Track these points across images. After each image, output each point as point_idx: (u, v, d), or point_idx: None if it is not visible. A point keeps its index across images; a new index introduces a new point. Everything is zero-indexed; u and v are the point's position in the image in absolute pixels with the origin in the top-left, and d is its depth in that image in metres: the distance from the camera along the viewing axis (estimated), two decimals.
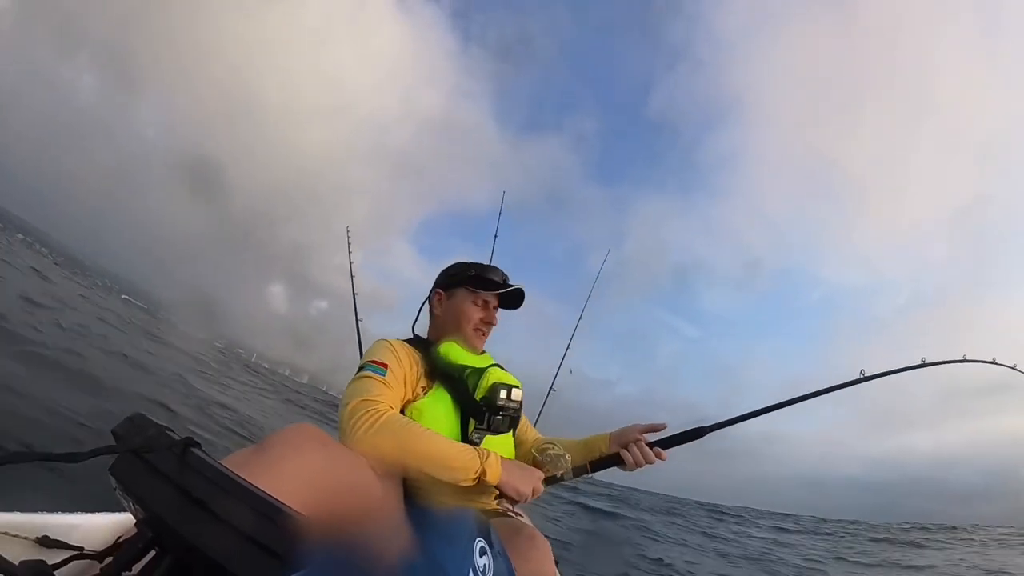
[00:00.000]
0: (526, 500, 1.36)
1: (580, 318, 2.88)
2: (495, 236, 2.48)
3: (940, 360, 1.82)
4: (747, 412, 1.59)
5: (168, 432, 0.85)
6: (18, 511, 1.14)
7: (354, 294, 2.69)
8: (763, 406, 1.63)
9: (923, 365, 1.79)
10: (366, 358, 1.39)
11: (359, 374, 1.35)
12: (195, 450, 0.81)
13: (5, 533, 1.05)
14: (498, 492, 1.34)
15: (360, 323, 2.63)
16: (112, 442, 0.87)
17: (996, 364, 1.83)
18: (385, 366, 1.36)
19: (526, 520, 1.49)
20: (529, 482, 1.35)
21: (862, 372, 1.72)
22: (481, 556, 0.72)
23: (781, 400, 1.65)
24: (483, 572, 0.70)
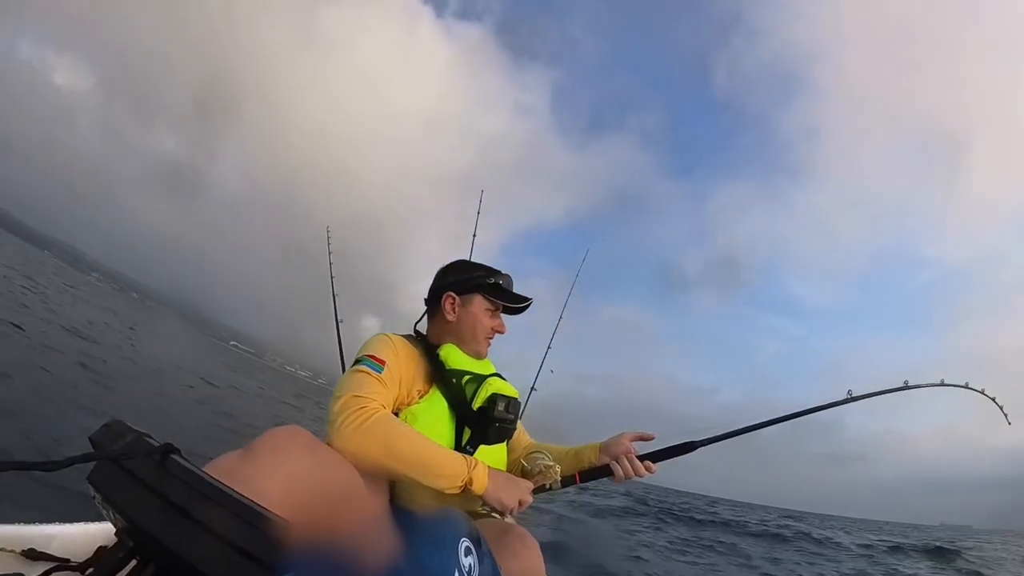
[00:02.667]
0: (511, 512, 1.35)
1: (560, 317, 2.89)
2: (473, 235, 2.48)
3: (920, 383, 1.88)
4: (739, 428, 1.61)
5: (147, 438, 0.83)
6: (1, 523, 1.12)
7: (334, 295, 2.69)
8: (760, 420, 1.64)
9: (905, 387, 1.84)
10: (365, 351, 1.35)
11: (355, 367, 1.31)
12: (175, 456, 0.80)
13: None
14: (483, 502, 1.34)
15: (341, 324, 2.62)
16: (90, 449, 0.85)
17: (969, 388, 1.89)
18: (383, 363, 1.32)
19: (512, 520, 1.49)
20: (515, 494, 1.34)
21: (849, 392, 1.75)
22: (466, 556, 0.72)
23: (780, 415, 1.67)
24: (468, 572, 0.70)
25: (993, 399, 1.91)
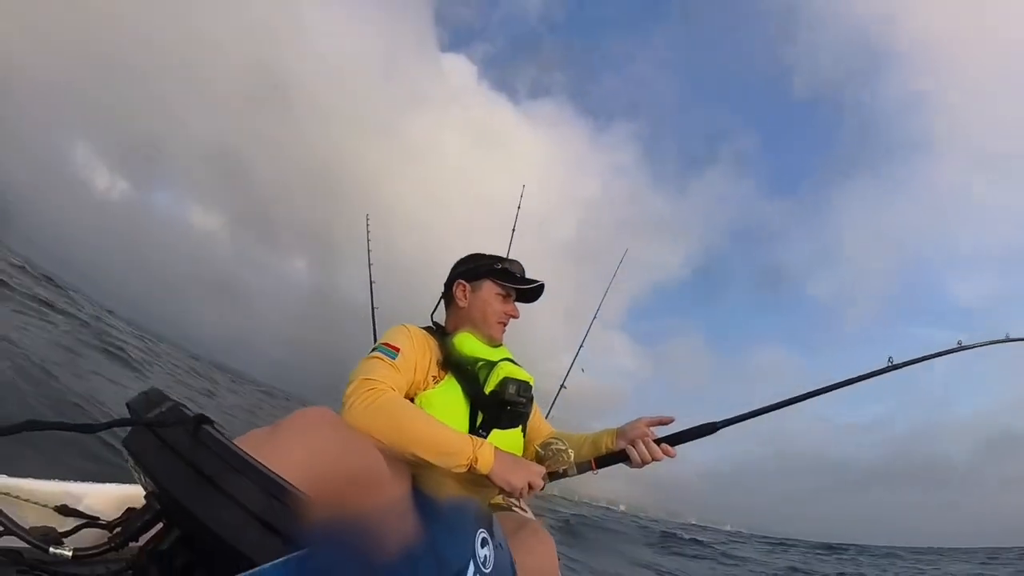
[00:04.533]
0: (520, 495, 1.34)
1: (595, 316, 2.89)
2: (512, 231, 2.51)
3: (978, 342, 1.65)
4: (762, 407, 1.52)
5: (182, 408, 0.87)
6: (33, 476, 1.17)
7: (371, 282, 2.75)
8: (785, 398, 1.53)
9: (959, 349, 1.64)
10: (381, 340, 1.40)
11: (370, 354, 1.35)
12: (208, 427, 0.83)
13: (27, 500, 1.08)
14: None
15: (376, 311, 2.68)
16: (127, 415, 0.89)
17: None
18: (397, 350, 1.36)
19: (530, 515, 1.49)
20: (523, 476, 1.32)
21: (890, 360, 1.60)
22: (482, 547, 0.72)
23: (802, 392, 1.54)
24: (483, 562, 0.70)
25: None
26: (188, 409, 0.87)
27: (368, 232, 2.84)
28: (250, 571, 0.57)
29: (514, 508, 1.44)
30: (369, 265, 2.78)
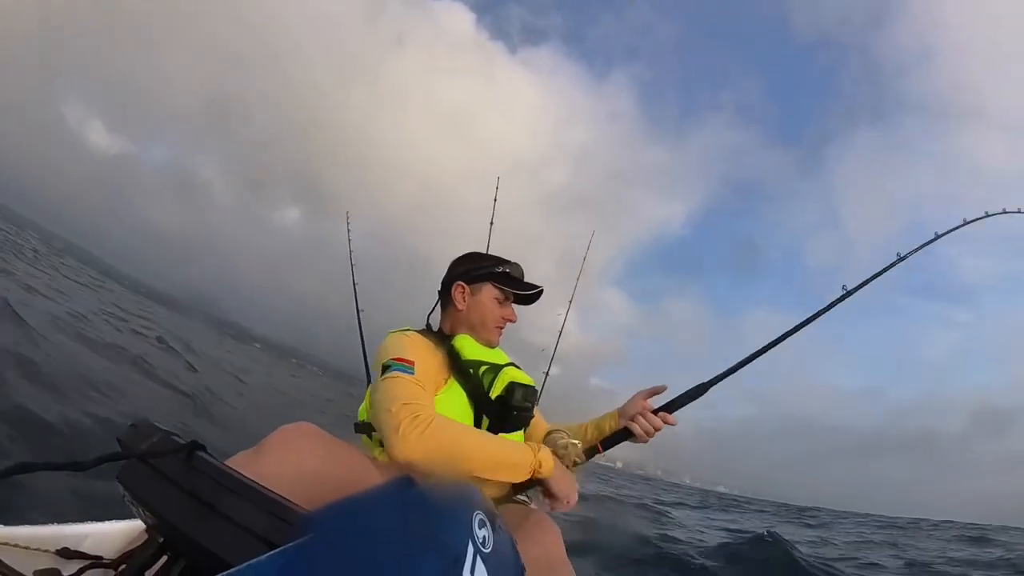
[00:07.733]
0: (567, 504, 1.34)
1: (571, 302, 2.90)
2: (491, 223, 2.49)
3: (917, 246, 1.75)
4: (743, 359, 1.60)
5: (173, 436, 0.85)
6: (30, 523, 1.15)
7: (354, 284, 2.71)
8: (760, 347, 1.62)
9: (900, 259, 1.75)
10: (391, 355, 1.31)
11: (388, 374, 1.26)
12: (201, 453, 0.81)
13: (27, 547, 1.06)
14: (542, 490, 1.34)
15: (361, 313, 2.64)
16: (117, 449, 0.87)
17: (1007, 213, 1.76)
18: (412, 363, 1.29)
19: (534, 506, 1.49)
20: (573, 485, 1.35)
21: (844, 287, 1.70)
22: (480, 528, 0.72)
23: (774, 338, 1.64)
24: (483, 543, 0.70)
25: None
26: (179, 437, 0.85)
27: (349, 231, 2.79)
28: (253, 560, 0.56)
29: (517, 499, 1.45)
30: (351, 265, 2.74)
